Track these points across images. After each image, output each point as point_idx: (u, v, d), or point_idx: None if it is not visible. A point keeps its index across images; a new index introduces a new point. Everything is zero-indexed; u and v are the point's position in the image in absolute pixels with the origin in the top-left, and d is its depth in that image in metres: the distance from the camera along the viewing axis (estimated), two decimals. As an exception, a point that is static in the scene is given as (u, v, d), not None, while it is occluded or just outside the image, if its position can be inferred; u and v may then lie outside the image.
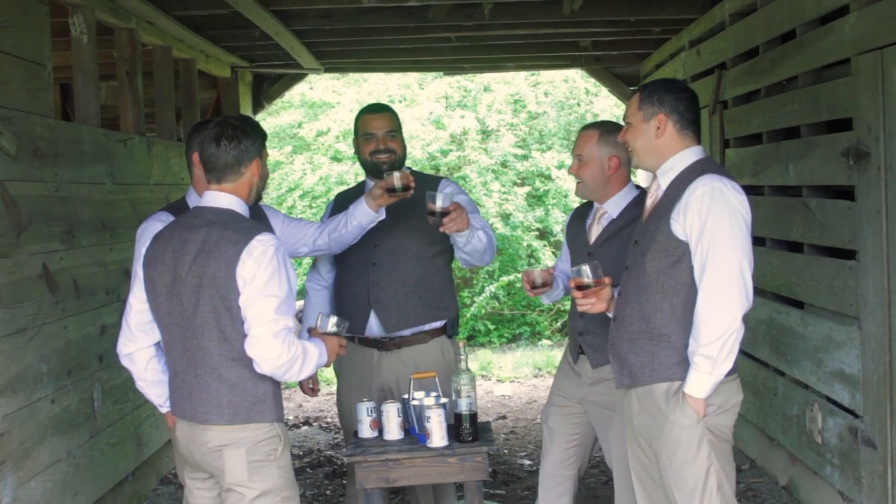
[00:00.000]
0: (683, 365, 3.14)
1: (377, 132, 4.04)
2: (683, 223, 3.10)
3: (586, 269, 3.38)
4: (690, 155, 3.25)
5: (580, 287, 3.39)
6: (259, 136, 3.17)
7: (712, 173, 3.16)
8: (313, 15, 6.32)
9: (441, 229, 3.73)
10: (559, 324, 11.94)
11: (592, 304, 3.40)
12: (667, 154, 3.25)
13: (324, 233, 3.88)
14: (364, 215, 3.81)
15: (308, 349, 3.10)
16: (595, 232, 3.84)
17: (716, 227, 3.04)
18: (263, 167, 3.19)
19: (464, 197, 4.07)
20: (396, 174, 3.74)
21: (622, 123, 3.45)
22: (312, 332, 3.33)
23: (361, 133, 4.08)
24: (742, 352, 3.28)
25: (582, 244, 3.86)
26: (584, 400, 3.88)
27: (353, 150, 12.01)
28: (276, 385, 3.12)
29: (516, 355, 10.61)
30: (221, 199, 3.12)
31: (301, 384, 4.25)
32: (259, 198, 3.31)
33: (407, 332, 4.02)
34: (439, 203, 3.69)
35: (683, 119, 3.23)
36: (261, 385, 3.06)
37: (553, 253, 12.23)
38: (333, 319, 3.34)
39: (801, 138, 4.81)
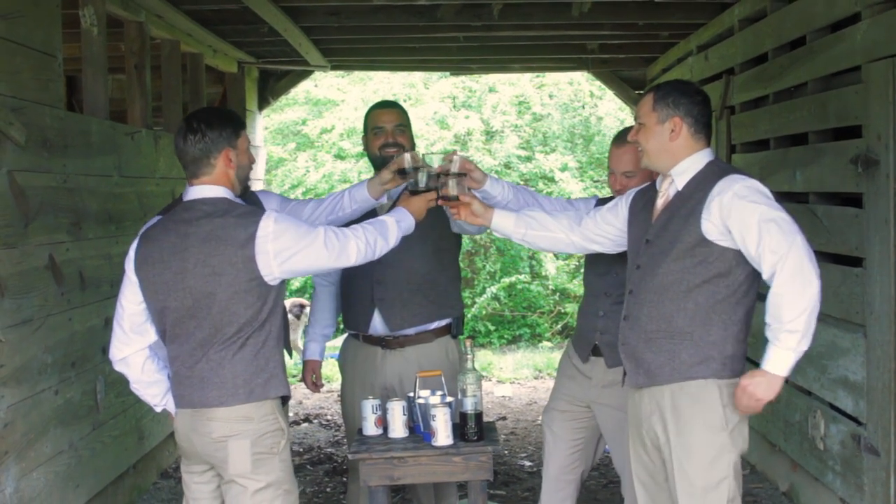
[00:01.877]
0: (706, 363, 3.13)
1: (386, 126, 4.04)
2: (720, 224, 3.09)
3: (452, 182, 3.57)
4: (703, 157, 3.26)
5: (445, 198, 3.58)
6: (228, 126, 3.16)
7: (734, 174, 3.18)
8: (323, 12, 6.33)
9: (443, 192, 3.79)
10: (559, 326, 11.95)
11: (457, 213, 3.60)
12: (680, 156, 3.25)
13: (321, 214, 3.86)
14: (364, 200, 3.82)
15: (384, 221, 3.36)
16: None
17: (772, 216, 3.04)
18: (240, 156, 3.19)
19: None
20: (407, 155, 3.73)
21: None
22: (401, 201, 3.56)
23: (371, 128, 4.08)
24: (746, 357, 3.28)
25: None
26: (595, 403, 3.86)
27: (356, 149, 12.15)
28: (282, 358, 3.20)
29: (517, 356, 10.61)
30: (209, 190, 3.14)
31: (305, 379, 4.25)
32: (245, 188, 3.32)
33: (411, 331, 4.01)
34: (436, 163, 3.72)
35: (698, 123, 3.25)
36: (272, 360, 3.13)
37: (554, 255, 12.23)
38: (423, 178, 3.58)
39: (810, 145, 4.81)
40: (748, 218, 3.06)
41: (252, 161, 3.28)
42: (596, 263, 3.88)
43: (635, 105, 8.88)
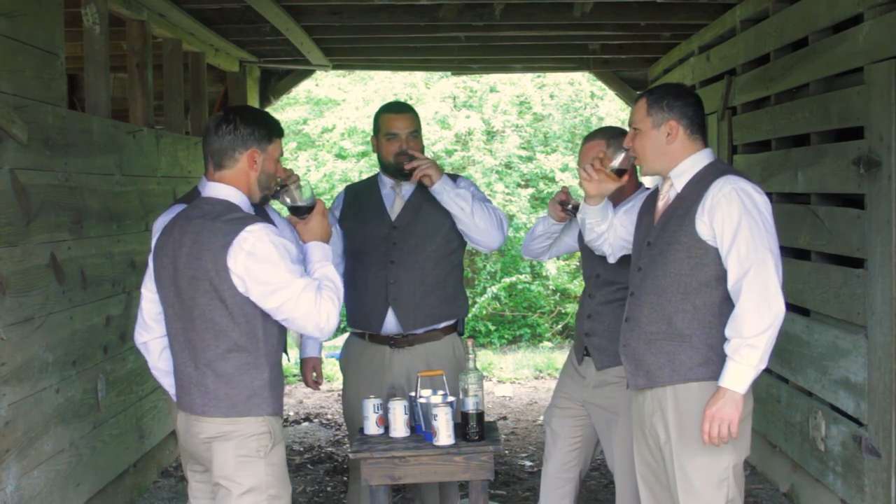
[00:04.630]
0: (706, 366, 3.14)
1: (400, 133, 4.03)
2: (710, 224, 3.11)
3: (622, 155, 3.43)
4: (703, 157, 3.27)
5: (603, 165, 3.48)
6: (262, 127, 3.12)
7: (732, 174, 3.18)
8: (324, 11, 6.32)
9: (406, 166, 3.91)
10: (560, 326, 11.95)
11: (589, 178, 3.46)
12: (678, 158, 3.26)
13: None
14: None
15: (328, 276, 3.12)
16: None
17: (750, 225, 3.06)
18: (266, 162, 3.14)
19: (473, 189, 4.08)
20: (293, 193, 3.27)
21: (623, 128, 3.47)
22: (292, 220, 3.27)
23: (384, 132, 4.06)
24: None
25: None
26: (588, 402, 3.89)
27: (357, 148, 12.15)
28: (274, 376, 3.09)
29: (517, 356, 10.61)
30: (220, 190, 3.12)
31: (305, 377, 4.22)
32: (266, 199, 3.26)
33: (420, 330, 4.03)
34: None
35: (693, 124, 3.26)
36: (257, 378, 3.04)
37: (555, 256, 12.22)
38: (308, 190, 3.24)
39: (811, 146, 4.81)
40: (728, 218, 3.08)
41: (279, 173, 3.19)
42: (584, 265, 3.94)
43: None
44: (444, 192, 3.92)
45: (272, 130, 3.16)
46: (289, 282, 2.98)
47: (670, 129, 3.24)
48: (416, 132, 4.07)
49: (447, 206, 3.95)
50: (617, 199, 3.82)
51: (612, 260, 3.67)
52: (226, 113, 3.15)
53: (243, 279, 2.97)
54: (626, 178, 3.53)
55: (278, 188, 3.25)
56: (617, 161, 3.47)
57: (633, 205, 3.60)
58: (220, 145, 3.11)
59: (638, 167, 3.62)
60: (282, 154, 3.22)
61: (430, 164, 3.93)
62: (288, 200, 3.26)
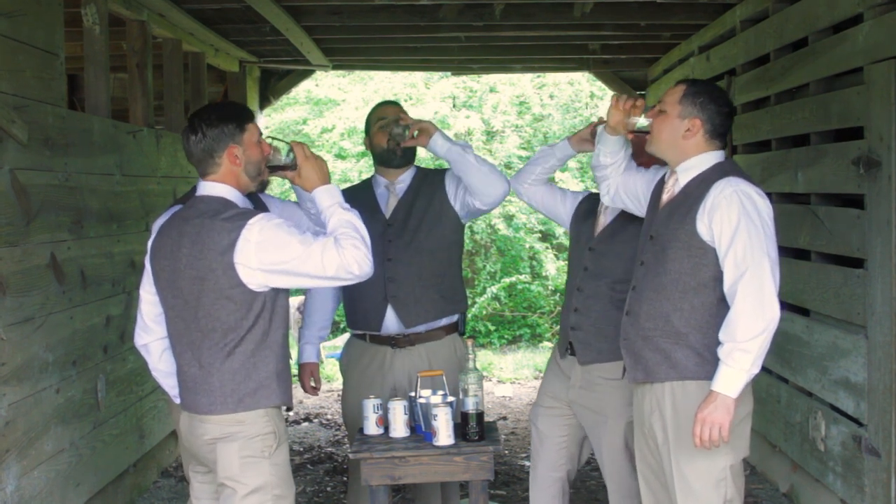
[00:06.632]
0: (702, 366, 3.14)
1: (389, 116, 4.08)
2: (709, 224, 3.11)
3: (646, 121, 3.40)
4: (712, 157, 3.27)
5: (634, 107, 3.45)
6: (231, 122, 3.06)
7: (735, 176, 3.18)
8: (324, 11, 6.33)
9: (402, 121, 3.98)
10: (559, 326, 11.96)
11: (616, 107, 3.47)
12: (689, 154, 3.26)
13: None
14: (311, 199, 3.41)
15: (343, 220, 3.05)
16: (601, 224, 3.83)
17: (749, 228, 3.05)
18: (247, 152, 3.08)
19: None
20: (278, 154, 3.22)
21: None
22: (287, 177, 3.19)
23: (375, 121, 4.11)
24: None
25: (585, 235, 3.86)
26: (574, 403, 3.84)
27: (357, 148, 12.15)
28: (281, 367, 3.08)
29: (517, 357, 10.61)
30: (213, 188, 3.10)
31: (303, 382, 4.20)
32: (263, 185, 3.23)
33: (421, 328, 4.03)
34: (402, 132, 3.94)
35: (715, 131, 3.26)
36: (263, 369, 3.04)
37: (555, 255, 12.25)
38: (284, 147, 3.17)
39: (811, 146, 4.82)
40: (727, 220, 3.08)
41: (266, 153, 3.15)
42: (572, 257, 3.93)
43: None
44: (443, 142, 3.91)
45: (241, 119, 3.10)
46: (306, 251, 2.95)
47: (692, 125, 3.24)
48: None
49: (448, 155, 3.90)
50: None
51: (606, 201, 3.66)
52: (190, 122, 3.09)
53: (258, 271, 2.96)
54: (630, 136, 3.52)
55: None
56: (637, 120, 3.44)
57: (653, 173, 3.56)
58: (198, 156, 3.08)
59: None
60: (261, 134, 3.14)
61: (423, 120, 4.00)
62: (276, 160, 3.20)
